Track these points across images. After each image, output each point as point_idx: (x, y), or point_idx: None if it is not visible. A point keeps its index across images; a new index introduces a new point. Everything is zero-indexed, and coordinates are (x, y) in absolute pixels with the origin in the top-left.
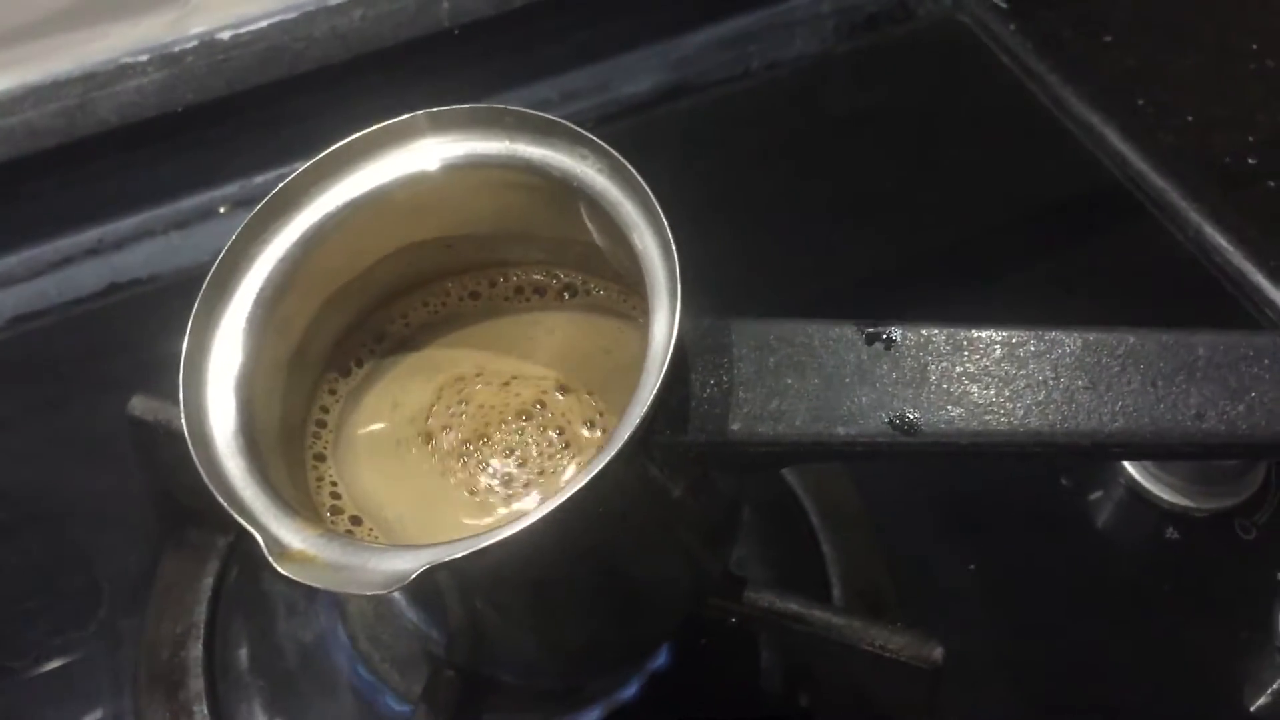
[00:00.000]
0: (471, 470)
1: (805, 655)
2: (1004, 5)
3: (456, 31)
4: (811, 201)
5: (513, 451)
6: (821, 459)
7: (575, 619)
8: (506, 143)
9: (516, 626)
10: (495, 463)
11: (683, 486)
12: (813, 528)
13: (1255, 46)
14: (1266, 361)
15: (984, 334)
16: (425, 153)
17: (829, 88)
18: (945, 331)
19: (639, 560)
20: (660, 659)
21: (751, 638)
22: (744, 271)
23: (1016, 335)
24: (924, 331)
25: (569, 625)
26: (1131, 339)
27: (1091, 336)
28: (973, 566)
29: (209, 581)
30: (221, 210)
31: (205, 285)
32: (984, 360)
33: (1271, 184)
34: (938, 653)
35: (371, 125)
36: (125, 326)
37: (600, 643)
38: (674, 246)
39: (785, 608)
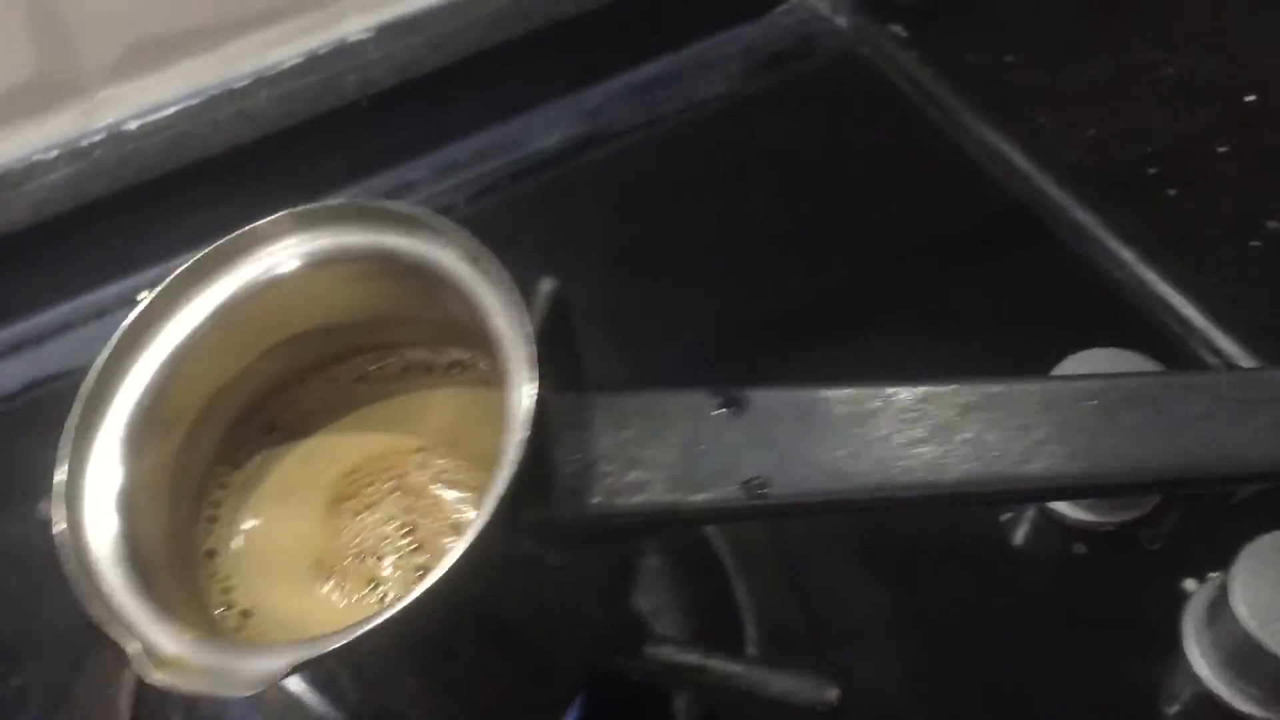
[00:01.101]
0: (364, 555)
1: (714, 703)
2: (904, 34)
3: (364, 103)
4: (717, 245)
5: (406, 533)
6: (684, 527)
7: (471, 692)
8: (372, 235)
9: (413, 704)
10: (387, 546)
11: (558, 556)
12: (726, 571)
13: (1156, 56)
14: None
15: (829, 393)
16: (294, 249)
17: (739, 129)
18: (792, 393)
19: (525, 630)
20: (572, 715)
21: (664, 686)
22: (641, 322)
23: (861, 391)
24: (774, 394)
25: (466, 698)
26: (964, 390)
27: (922, 390)
28: (885, 596)
29: (131, 677)
30: (140, 296)
31: (77, 407)
32: (829, 420)
33: (1172, 192)
34: (832, 694)
35: (283, 205)
36: (44, 424)
37: (503, 710)
38: (532, 332)
39: (684, 660)
